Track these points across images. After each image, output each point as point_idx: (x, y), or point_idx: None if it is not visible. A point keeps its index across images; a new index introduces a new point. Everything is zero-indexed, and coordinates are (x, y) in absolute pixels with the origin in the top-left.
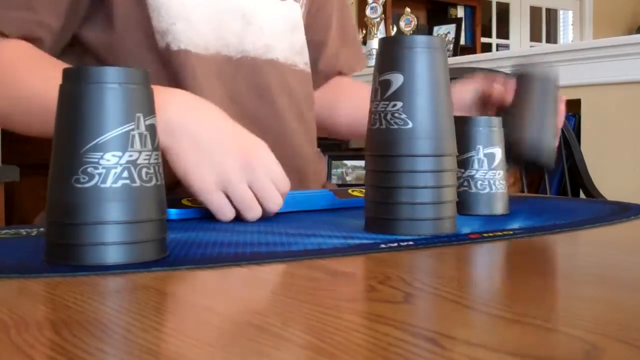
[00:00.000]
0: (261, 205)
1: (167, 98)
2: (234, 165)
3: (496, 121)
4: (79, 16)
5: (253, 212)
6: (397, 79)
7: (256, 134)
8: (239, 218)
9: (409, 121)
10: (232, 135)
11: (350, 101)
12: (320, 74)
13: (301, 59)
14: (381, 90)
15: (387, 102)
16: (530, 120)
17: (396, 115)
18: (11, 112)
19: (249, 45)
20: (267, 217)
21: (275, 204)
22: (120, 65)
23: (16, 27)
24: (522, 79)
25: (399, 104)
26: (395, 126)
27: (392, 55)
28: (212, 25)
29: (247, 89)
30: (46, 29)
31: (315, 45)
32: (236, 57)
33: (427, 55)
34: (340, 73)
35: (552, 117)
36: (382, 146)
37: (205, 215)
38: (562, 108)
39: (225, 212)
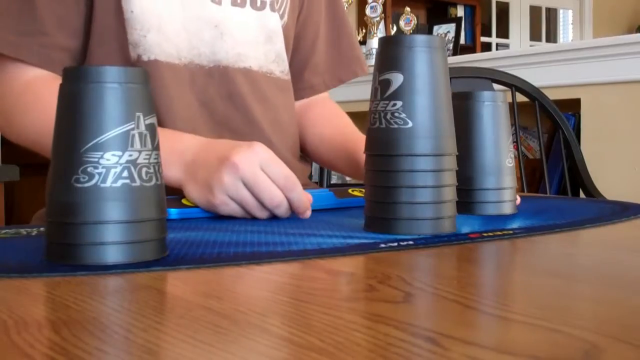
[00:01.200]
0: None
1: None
2: (222, 167)
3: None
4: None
5: (252, 207)
6: (397, 79)
7: (231, 138)
8: (236, 218)
9: (408, 120)
10: (218, 143)
11: (317, 143)
12: (306, 84)
13: (277, 67)
14: (381, 90)
15: (387, 102)
16: None
17: (396, 114)
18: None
19: (222, 54)
20: (274, 218)
21: (272, 197)
22: None
23: (37, 54)
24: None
25: (399, 104)
26: (395, 125)
27: (392, 54)
28: (186, 35)
29: (220, 97)
30: (66, 52)
31: (302, 55)
32: (208, 66)
33: (427, 55)
34: (334, 82)
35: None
36: (381, 145)
37: (206, 215)
38: None
39: (234, 210)
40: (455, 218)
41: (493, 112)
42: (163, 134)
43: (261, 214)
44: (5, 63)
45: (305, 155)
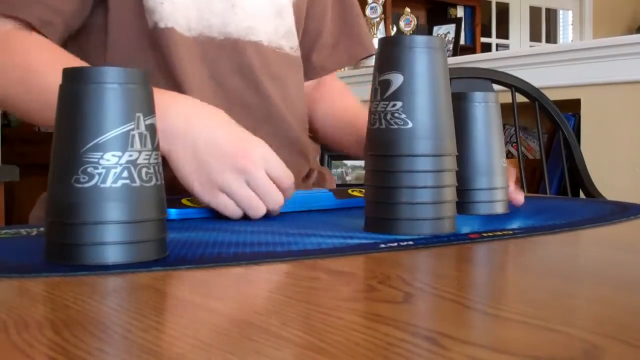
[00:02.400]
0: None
1: (168, 103)
2: (229, 167)
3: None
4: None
5: (254, 210)
6: (397, 79)
7: (242, 114)
8: (243, 217)
9: (408, 121)
10: (229, 138)
11: (328, 116)
12: (315, 64)
13: (287, 43)
14: (381, 90)
15: (387, 102)
16: None
17: (396, 115)
18: (31, 107)
19: (232, 26)
20: (267, 217)
21: (275, 201)
22: (109, 49)
23: (29, 12)
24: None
25: (399, 104)
26: (395, 126)
27: (392, 55)
28: (196, 6)
29: (230, 71)
30: (60, 14)
31: (311, 35)
32: (219, 39)
33: (426, 55)
34: (335, 67)
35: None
36: (381, 146)
37: (205, 215)
38: None
39: (231, 210)
40: (455, 218)
41: (485, 112)
42: (179, 105)
43: (256, 214)
44: None
45: (313, 134)
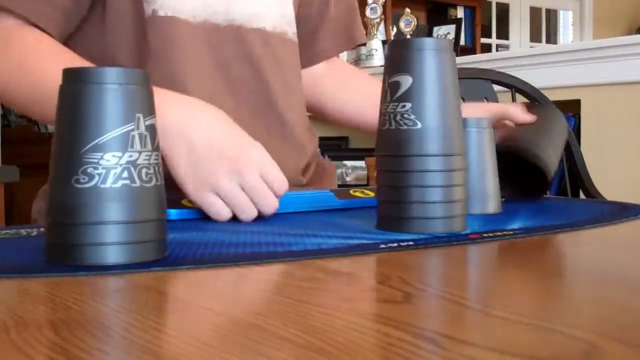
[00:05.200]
0: (256, 207)
1: (166, 101)
2: (223, 169)
3: (486, 122)
4: None
5: (245, 213)
6: (406, 81)
7: (242, 102)
8: (236, 219)
9: (418, 122)
10: (225, 138)
11: (357, 93)
12: (318, 48)
13: (290, 29)
14: (390, 92)
15: (397, 103)
16: (542, 140)
17: (405, 116)
18: (29, 99)
19: (236, 13)
20: (267, 218)
21: (269, 205)
22: (107, 39)
23: (26, 6)
24: (540, 109)
25: (408, 105)
26: (405, 127)
27: (401, 57)
28: None
29: (234, 57)
30: (58, 9)
31: (313, 20)
32: (223, 25)
33: (435, 57)
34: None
35: (560, 147)
36: (392, 146)
37: (205, 216)
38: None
39: (220, 212)
40: (465, 217)
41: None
42: (179, 105)
43: (247, 217)
44: None
45: (323, 118)
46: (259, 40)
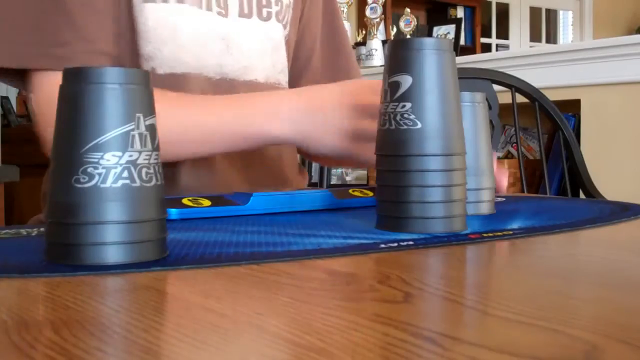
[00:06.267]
0: None
1: (276, 100)
2: (350, 113)
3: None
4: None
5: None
6: (406, 81)
7: (237, 153)
8: (236, 219)
9: (418, 121)
10: (335, 90)
11: None
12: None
13: (284, 78)
14: (390, 92)
15: (397, 103)
16: None
17: (405, 115)
18: (181, 139)
19: (228, 67)
20: (266, 218)
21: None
22: None
23: (81, 60)
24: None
25: (408, 105)
26: (405, 126)
27: (401, 57)
28: (195, 47)
29: None
30: (107, 58)
31: (299, 64)
32: (215, 79)
33: (435, 57)
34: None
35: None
36: (392, 146)
37: (205, 216)
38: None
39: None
40: (465, 217)
41: (472, 113)
42: (286, 95)
43: None
44: (49, 77)
45: (311, 159)
46: (250, 92)
